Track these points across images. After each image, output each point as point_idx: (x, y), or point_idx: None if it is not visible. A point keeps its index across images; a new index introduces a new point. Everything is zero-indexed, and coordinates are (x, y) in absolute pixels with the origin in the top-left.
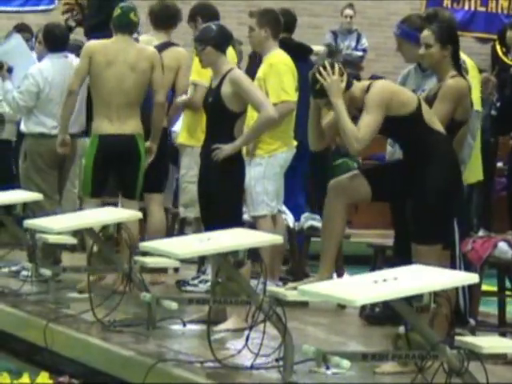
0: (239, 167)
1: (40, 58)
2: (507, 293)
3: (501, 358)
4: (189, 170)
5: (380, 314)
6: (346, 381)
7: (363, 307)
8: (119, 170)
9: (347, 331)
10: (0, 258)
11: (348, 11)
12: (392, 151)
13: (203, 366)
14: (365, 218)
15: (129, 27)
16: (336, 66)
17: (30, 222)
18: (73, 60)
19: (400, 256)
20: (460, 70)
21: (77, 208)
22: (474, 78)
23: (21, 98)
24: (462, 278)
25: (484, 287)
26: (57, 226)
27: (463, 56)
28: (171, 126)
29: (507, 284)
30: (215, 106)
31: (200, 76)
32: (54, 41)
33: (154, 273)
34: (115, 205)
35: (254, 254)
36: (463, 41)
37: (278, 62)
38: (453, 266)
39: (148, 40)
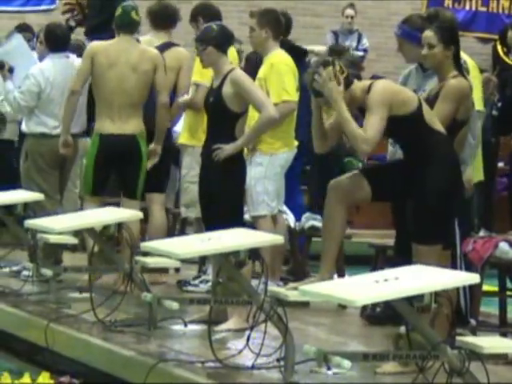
0: (240, 167)
1: (41, 58)
2: (508, 293)
3: (502, 358)
4: (190, 170)
5: (381, 314)
6: (346, 381)
7: (364, 307)
8: (120, 169)
9: (348, 331)
10: (1, 258)
11: (349, 11)
12: (393, 151)
13: (204, 366)
14: (366, 218)
15: (131, 26)
16: (337, 63)
17: (31, 222)
18: (74, 60)
19: (401, 256)
20: (461, 70)
21: (78, 208)
22: (476, 78)
23: (22, 98)
24: (463, 278)
25: (485, 287)
26: (58, 225)
27: (464, 56)
28: (172, 126)
29: (508, 284)
30: (216, 106)
31: (202, 76)
32: (56, 41)
33: (155, 273)
34: (117, 205)
35: (254, 253)
36: (464, 41)
37: (279, 62)
38: (454, 266)
39: (149, 41)
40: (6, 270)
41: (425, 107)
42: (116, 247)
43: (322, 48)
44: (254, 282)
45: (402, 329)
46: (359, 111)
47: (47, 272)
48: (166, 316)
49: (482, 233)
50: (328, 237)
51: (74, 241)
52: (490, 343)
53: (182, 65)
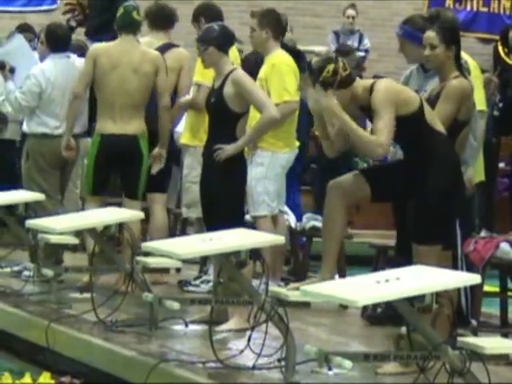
0: (241, 167)
1: (42, 59)
2: (509, 293)
3: (503, 359)
4: (191, 170)
5: (382, 315)
6: (347, 381)
7: (365, 308)
8: (121, 169)
9: (349, 331)
10: (2, 258)
11: (350, 12)
12: (394, 152)
13: (205, 366)
14: (367, 219)
15: (132, 26)
16: (340, 60)
17: (32, 222)
18: (75, 60)
19: (402, 256)
20: (462, 70)
21: (79, 208)
22: (477, 78)
23: (23, 99)
24: (464, 278)
25: (486, 288)
26: (59, 226)
27: (465, 56)
28: (174, 126)
29: (509, 284)
30: (217, 106)
31: (203, 77)
32: (56, 41)
33: (156, 273)
34: (119, 205)
35: (255, 254)
36: (465, 41)
37: (280, 63)
38: (455, 267)
39: (149, 42)
40: (7, 270)
41: (426, 107)
42: (117, 247)
43: (322, 48)
44: (255, 282)
45: (403, 329)
46: (360, 110)
47: (48, 272)
48: (167, 316)
49: (483, 233)
50: (328, 237)
51: (74, 241)
52: (491, 344)
53: (183, 65)
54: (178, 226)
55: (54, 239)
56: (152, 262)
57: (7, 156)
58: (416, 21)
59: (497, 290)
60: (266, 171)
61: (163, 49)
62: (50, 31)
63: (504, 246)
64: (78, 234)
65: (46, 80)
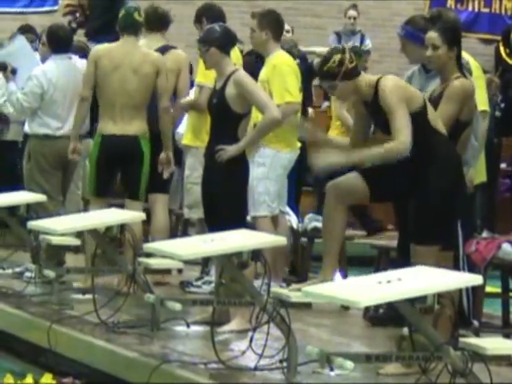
0: (243, 168)
1: (44, 60)
2: (511, 294)
3: (505, 360)
4: (193, 171)
5: (384, 316)
6: (349, 382)
7: (367, 308)
8: (122, 170)
9: (351, 332)
10: (4, 259)
11: (351, 12)
12: None
13: (207, 367)
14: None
15: (134, 27)
16: (347, 51)
17: (33, 224)
18: (76, 61)
19: (404, 257)
20: (462, 70)
21: (80, 209)
22: (479, 79)
23: (25, 100)
24: (466, 279)
25: (488, 288)
26: (60, 227)
27: (467, 57)
28: (175, 127)
29: (511, 285)
30: (219, 107)
31: (205, 78)
32: (58, 42)
33: (158, 274)
34: (121, 206)
35: (256, 254)
36: (466, 42)
37: (281, 64)
38: (456, 268)
39: (147, 45)
40: (9, 271)
41: (429, 107)
42: (119, 248)
43: (323, 49)
44: (257, 283)
45: (405, 330)
46: (364, 105)
47: (50, 273)
48: (168, 317)
49: (484, 234)
50: (328, 237)
51: (76, 242)
52: (493, 344)
53: (182, 67)
54: (179, 227)
55: (56, 240)
56: (154, 263)
57: (9, 157)
58: (417, 21)
59: (498, 290)
60: (268, 172)
61: (161, 51)
62: (52, 32)
63: (506, 246)
64: (80, 235)
65: (48, 81)
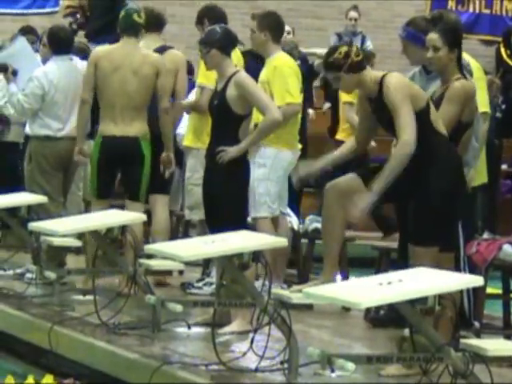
0: (244, 169)
1: (45, 61)
2: None
3: (506, 361)
4: (194, 173)
5: (385, 317)
6: (350, 383)
7: (368, 310)
8: (123, 171)
9: (352, 334)
10: (5, 261)
11: (352, 13)
12: None
13: (208, 368)
14: (369, 221)
15: (133, 29)
16: (354, 45)
17: (34, 225)
18: (77, 63)
19: (405, 258)
20: (463, 72)
21: (81, 211)
22: (480, 80)
23: (26, 101)
24: (467, 280)
25: (489, 290)
26: (61, 228)
27: (468, 58)
28: (174, 128)
29: None
30: (220, 108)
31: (207, 79)
32: (59, 43)
33: (159, 275)
34: (122, 207)
35: (256, 255)
36: (467, 43)
37: (282, 65)
38: (457, 269)
39: (145, 45)
40: (10, 272)
41: (432, 107)
42: (119, 250)
43: (324, 50)
44: (257, 284)
45: (406, 331)
46: (368, 101)
47: (51, 274)
48: (169, 318)
49: (485, 235)
50: (328, 238)
51: (77, 243)
52: (494, 346)
53: (179, 67)
54: (180, 229)
55: (57, 241)
56: (155, 264)
57: (10, 158)
58: (419, 22)
59: (499, 291)
60: (269, 173)
61: (159, 51)
62: (53, 33)
63: (507, 247)
64: (81, 236)
65: (49, 82)
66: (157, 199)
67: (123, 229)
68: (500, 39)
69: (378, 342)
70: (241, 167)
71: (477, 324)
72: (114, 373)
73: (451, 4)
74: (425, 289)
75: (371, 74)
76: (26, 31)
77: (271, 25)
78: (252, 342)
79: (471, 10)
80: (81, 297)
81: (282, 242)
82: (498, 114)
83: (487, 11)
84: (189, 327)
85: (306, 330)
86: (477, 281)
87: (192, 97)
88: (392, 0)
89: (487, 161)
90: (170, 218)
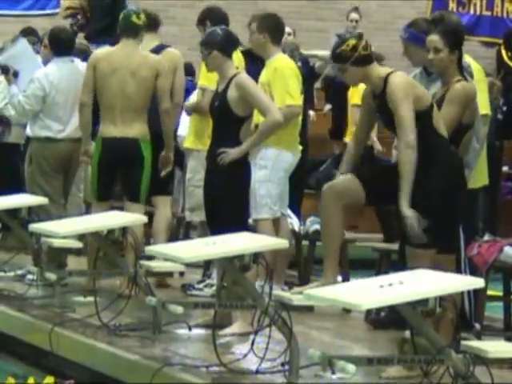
0: (245, 171)
1: (46, 62)
2: None
3: (506, 363)
4: (195, 174)
5: (385, 319)
6: None
7: (369, 311)
8: (122, 173)
9: (353, 335)
10: (5, 262)
11: (353, 15)
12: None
13: (209, 370)
14: (370, 223)
15: (132, 30)
16: (364, 39)
17: (35, 226)
18: (78, 64)
19: (405, 260)
20: (463, 73)
21: (82, 212)
22: (481, 82)
23: (26, 102)
24: (468, 282)
25: (489, 292)
26: (62, 229)
27: (469, 60)
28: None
29: None
30: (221, 109)
31: (208, 81)
32: (60, 45)
33: (160, 276)
34: (123, 209)
35: (257, 257)
36: (468, 45)
37: (283, 67)
38: (458, 271)
39: (144, 45)
40: (11, 273)
41: (435, 109)
42: (120, 251)
43: (325, 52)
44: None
45: (407, 333)
46: (372, 96)
47: (51, 276)
48: (170, 320)
49: (486, 237)
50: (327, 240)
51: (78, 245)
52: (495, 347)
53: (177, 65)
54: (181, 230)
55: (58, 243)
56: (155, 265)
57: (11, 160)
58: (420, 24)
59: (500, 293)
60: (270, 174)
61: (157, 50)
62: (54, 35)
63: (508, 249)
64: (82, 237)
65: (50, 84)
66: (159, 200)
67: (124, 230)
68: (501, 41)
69: (379, 344)
70: (242, 169)
71: (477, 326)
72: (114, 374)
73: (452, 6)
74: (425, 291)
75: (378, 69)
76: (27, 32)
77: (270, 26)
78: (253, 343)
79: (472, 11)
80: (81, 298)
81: (283, 243)
82: (499, 116)
83: (488, 13)
84: (189, 329)
85: (306, 331)
86: (477, 283)
87: (193, 98)
88: (393, 2)
89: (488, 162)
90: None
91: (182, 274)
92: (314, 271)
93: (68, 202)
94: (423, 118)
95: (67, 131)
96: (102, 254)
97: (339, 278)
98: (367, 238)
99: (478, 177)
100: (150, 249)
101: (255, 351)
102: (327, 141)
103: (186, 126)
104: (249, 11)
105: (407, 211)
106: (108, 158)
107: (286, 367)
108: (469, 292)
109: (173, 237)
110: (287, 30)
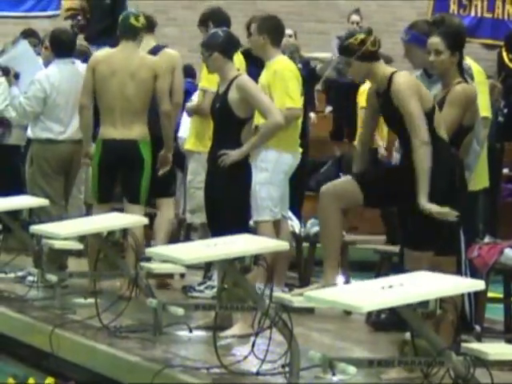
0: (246, 173)
1: (46, 64)
2: None
3: (507, 365)
4: (196, 176)
5: (386, 320)
6: None
7: (369, 313)
8: (122, 174)
9: (353, 337)
10: (6, 264)
11: (354, 17)
12: (398, 158)
13: (209, 371)
14: (371, 225)
15: (131, 33)
16: (373, 35)
17: (36, 228)
18: (79, 66)
19: None
20: (464, 75)
21: (83, 214)
22: (482, 84)
23: (27, 104)
24: (468, 284)
25: (490, 294)
26: (63, 231)
27: (469, 62)
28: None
29: None
30: (222, 111)
31: (209, 82)
32: (61, 46)
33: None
34: (123, 210)
35: (257, 259)
36: (469, 47)
37: (283, 69)
38: (458, 273)
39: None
40: (11, 275)
41: (437, 111)
42: (121, 253)
43: (326, 55)
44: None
45: (407, 335)
46: (376, 95)
47: (52, 277)
48: (171, 322)
49: (487, 239)
50: (326, 241)
51: (79, 246)
52: (495, 350)
53: (175, 65)
54: (181, 232)
55: (58, 244)
56: (156, 267)
57: (11, 161)
58: (421, 25)
59: (501, 295)
60: (271, 177)
61: (154, 51)
62: (55, 36)
63: (508, 251)
64: (82, 239)
65: (51, 85)
66: (162, 202)
67: (125, 232)
68: (502, 43)
69: (380, 346)
70: (242, 171)
71: (478, 328)
72: (115, 376)
73: (453, 8)
74: (426, 292)
75: (383, 67)
76: (28, 34)
77: (270, 28)
78: (253, 345)
79: (473, 13)
80: (82, 300)
81: (283, 245)
82: (500, 118)
83: (489, 15)
84: (190, 330)
85: (307, 333)
86: (478, 285)
87: (194, 100)
88: (394, 3)
89: (489, 165)
90: None
91: (182, 275)
92: (314, 273)
93: (69, 203)
94: (426, 118)
95: (68, 133)
96: (102, 255)
97: (341, 279)
98: (367, 239)
99: (479, 179)
100: (151, 250)
101: (256, 353)
102: (328, 143)
103: (186, 127)
104: (249, 11)
105: (427, 205)
106: (108, 159)
107: (287, 369)
108: (469, 294)
109: (173, 238)
110: (288, 31)
